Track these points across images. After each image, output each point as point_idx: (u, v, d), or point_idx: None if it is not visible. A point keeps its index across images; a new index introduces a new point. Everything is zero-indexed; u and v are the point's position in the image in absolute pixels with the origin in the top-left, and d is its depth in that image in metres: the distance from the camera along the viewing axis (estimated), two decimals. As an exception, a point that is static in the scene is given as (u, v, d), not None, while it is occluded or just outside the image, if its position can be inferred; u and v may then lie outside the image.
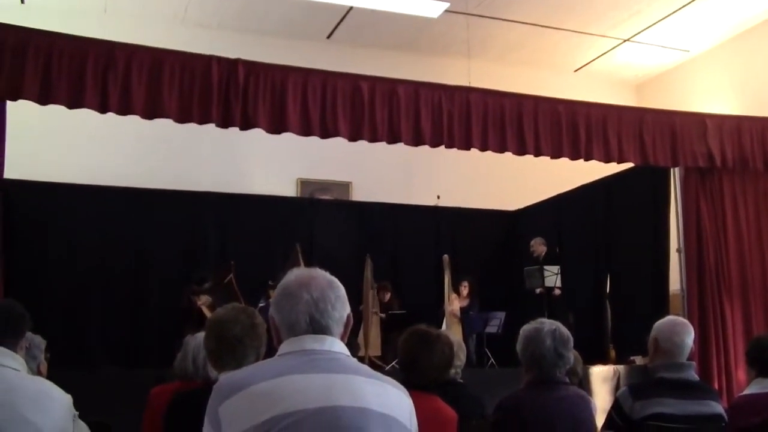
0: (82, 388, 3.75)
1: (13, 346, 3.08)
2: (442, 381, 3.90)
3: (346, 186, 12.70)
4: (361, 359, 8.62)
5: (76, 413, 3.03)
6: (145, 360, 9.80)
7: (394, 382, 2.18)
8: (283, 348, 2.13)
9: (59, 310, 10.05)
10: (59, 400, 2.97)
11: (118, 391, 6.60)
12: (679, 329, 3.98)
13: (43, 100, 6.84)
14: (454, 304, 10.91)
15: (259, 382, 1.98)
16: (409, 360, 3.66)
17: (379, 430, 1.99)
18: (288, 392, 1.96)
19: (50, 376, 3.48)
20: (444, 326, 10.12)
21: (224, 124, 7.47)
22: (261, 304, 8.92)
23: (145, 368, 8.35)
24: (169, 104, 7.16)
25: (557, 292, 10.54)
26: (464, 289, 11.09)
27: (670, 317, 4.22)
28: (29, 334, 3.39)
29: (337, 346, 2.13)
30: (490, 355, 10.30)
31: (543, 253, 11.11)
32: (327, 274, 2.22)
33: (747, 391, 4.12)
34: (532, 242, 11.26)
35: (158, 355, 9.11)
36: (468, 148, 8.35)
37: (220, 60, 7.40)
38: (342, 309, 2.17)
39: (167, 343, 7.39)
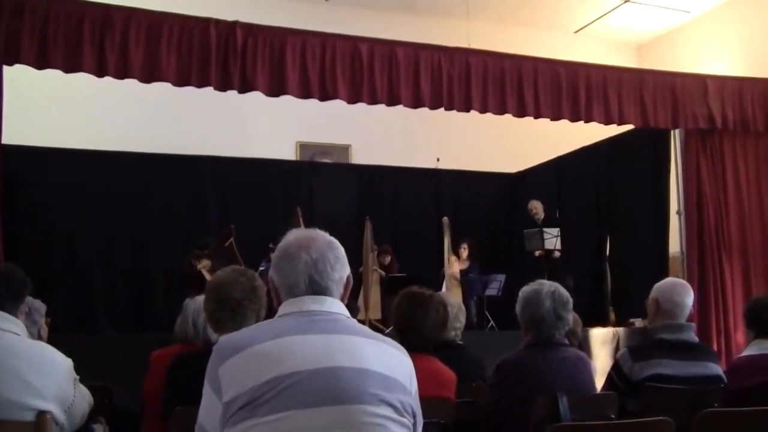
0: (84, 352, 3.76)
1: (13, 311, 3.09)
2: (440, 342, 3.91)
3: (345, 149, 12.66)
4: (362, 322, 8.62)
5: (77, 377, 3.04)
6: (148, 324, 9.81)
7: (394, 343, 2.18)
8: (283, 309, 2.13)
9: (61, 276, 10.09)
10: (60, 364, 2.99)
11: (120, 355, 6.62)
12: (680, 290, 3.99)
13: (40, 64, 6.78)
14: (454, 266, 10.89)
15: (258, 343, 1.98)
16: (404, 322, 3.65)
17: (378, 391, 1.99)
18: (288, 353, 1.96)
19: (52, 341, 3.48)
20: (444, 289, 10.12)
21: (223, 87, 7.41)
22: (261, 268, 8.91)
23: (149, 332, 8.36)
24: (167, 67, 7.10)
25: (557, 254, 10.53)
26: (464, 252, 11.06)
27: (669, 278, 4.25)
28: (29, 299, 3.39)
29: (336, 306, 2.13)
30: (490, 317, 10.33)
31: (542, 216, 11.04)
32: (326, 235, 2.21)
33: (745, 353, 4.14)
34: (532, 204, 11.15)
35: (162, 320, 9.12)
36: (468, 110, 8.30)
37: (219, 22, 7.32)
38: (341, 270, 2.17)
39: (171, 307, 7.40)
